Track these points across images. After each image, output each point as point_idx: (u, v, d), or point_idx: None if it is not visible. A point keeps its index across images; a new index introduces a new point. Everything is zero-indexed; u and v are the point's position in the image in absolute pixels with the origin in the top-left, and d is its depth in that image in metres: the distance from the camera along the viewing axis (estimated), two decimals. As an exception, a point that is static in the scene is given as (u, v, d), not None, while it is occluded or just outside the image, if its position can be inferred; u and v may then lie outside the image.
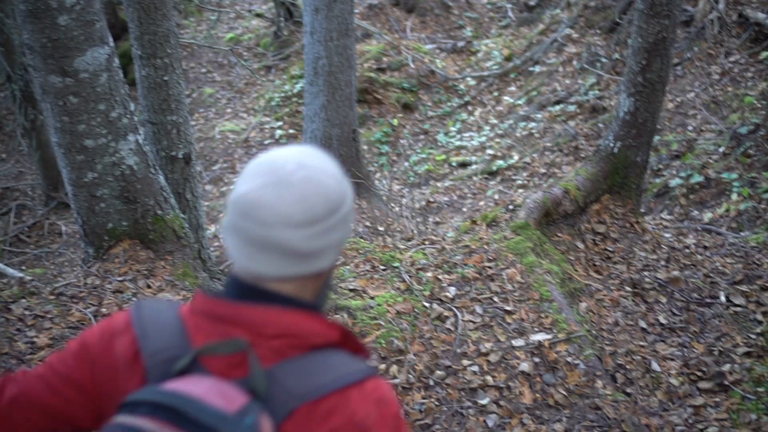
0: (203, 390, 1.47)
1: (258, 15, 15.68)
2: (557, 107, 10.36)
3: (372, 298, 4.55)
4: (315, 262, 1.58)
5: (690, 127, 8.48)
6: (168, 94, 5.83)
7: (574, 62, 11.20)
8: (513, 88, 11.75)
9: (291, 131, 12.08)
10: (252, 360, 1.53)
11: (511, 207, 5.73)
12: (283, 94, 12.78)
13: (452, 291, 4.67)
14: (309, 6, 8.20)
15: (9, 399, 1.67)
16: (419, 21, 14.42)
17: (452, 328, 4.42)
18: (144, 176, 4.78)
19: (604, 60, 10.80)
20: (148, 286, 4.66)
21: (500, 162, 9.92)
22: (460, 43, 13.63)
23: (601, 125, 9.47)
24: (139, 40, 5.59)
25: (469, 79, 12.47)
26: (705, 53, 9.70)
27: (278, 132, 12.08)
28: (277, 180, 1.51)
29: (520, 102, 11.19)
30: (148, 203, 4.85)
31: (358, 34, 13.40)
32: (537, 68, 11.69)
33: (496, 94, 11.87)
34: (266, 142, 11.98)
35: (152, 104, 5.81)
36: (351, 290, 4.66)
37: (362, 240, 6.15)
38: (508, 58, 12.57)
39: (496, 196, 9.22)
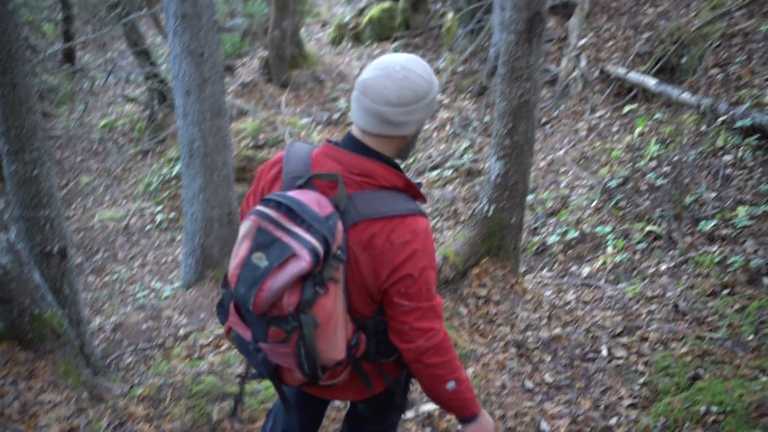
0: (308, 199, 2.53)
1: (131, 100, 15.54)
2: (434, 172, 10.48)
3: (259, 381, 4.48)
4: (400, 129, 2.61)
5: (563, 184, 8.68)
6: (39, 188, 5.70)
7: (448, 127, 11.38)
8: (390, 156, 11.85)
9: (172, 215, 11.93)
10: (340, 187, 2.58)
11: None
12: (161, 178, 12.64)
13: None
14: (180, 89, 8.14)
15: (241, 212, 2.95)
16: (293, 96, 14.50)
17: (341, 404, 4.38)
18: (18, 275, 4.65)
19: (476, 123, 11.01)
20: (30, 388, 4.50)
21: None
22: (336, 115, 13.73)
23: (477, 188, 9.61)
24: (6, 135, 5.47)
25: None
26: (571, 111, 9.98)
27: (159, 216, 11.92)
28: (386, 74, 2.55)
29: (398, 169, 11.29)
30: (23, 302, 4.71)
31: (233, 113, 13.38)
32: (412, 134, 11.82)
33: (374, 162, 11.94)
34: (147, 227, 11.80)
35: (23, 200, 5.67)
36: (238, 376, 4.58)
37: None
38: (383, 127, 12.69)
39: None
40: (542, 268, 7.53)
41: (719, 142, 7.64)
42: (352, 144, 2.64)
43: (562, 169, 9.00)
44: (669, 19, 10.17)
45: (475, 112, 11.28)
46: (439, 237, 9.18)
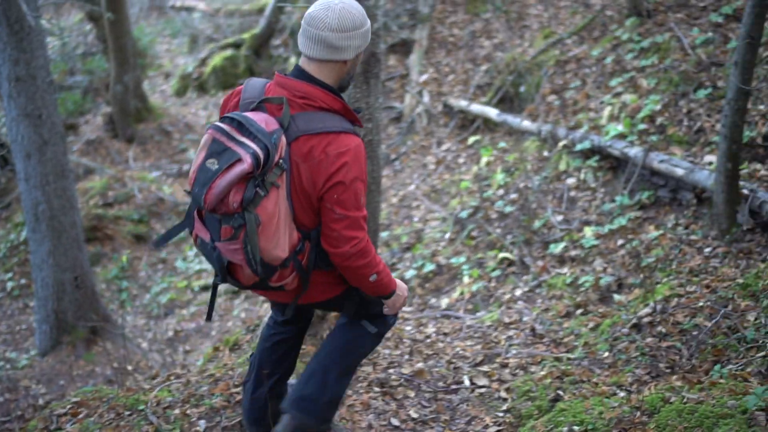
0: (258, 118, 3.11)
1: (-30, 166, 15.01)
2: (289, 217, 10.47)
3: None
4: (340, 53, 3.22)
5: (416, 219, 8.77)
6: None
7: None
8: (243, 204, 11.76)
9: (23, 281, 11.54)
10: (285, 108, 3.18)
11: (251, 327, 5.67)
12: (9, 244, 12.21)
13: (202, 425, 4.54)
14: (19, 152, 7.90)
15: None
16: (141, 150, 14.26)
17: (206, 465, 4.29)
18: None
19: (326, 164, 11.05)
20: None
21: (242, 279, 9.86)
22: (185, 167, 13.57)
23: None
24: None
25: (199, 201, 12.39)
26: (419, 145, 10.13)
27: (9, 284, 11.50)
28: (327, 6, 3.16)
29: (252, 216, 11.21)
30: None
31: (79, 172, 13.07)
32: (264, 181, 11.78)
33: (227, 211, 11.83)
34: (-2, 296, 11.39)
35: None
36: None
37: (105, 387, 5.89)
38: (235, 175, 12.61)
39: (243, 315, 9.14)
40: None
41: (562, 166, 7.88)
42: (298, 72, 3.29)
43: (414, 204, 9.10)
44: (505, 51, 10.47)
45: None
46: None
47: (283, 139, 3.12)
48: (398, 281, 3.59)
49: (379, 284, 3.43)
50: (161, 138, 14.52)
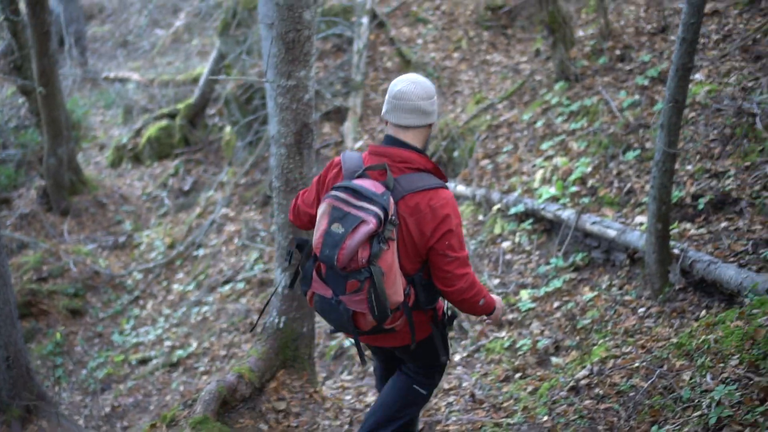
0: (367, 184, 3.69)
1: None
2: (227, 287, 10.39)
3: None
4: (430, 117, 3.91)
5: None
6: None
7: (236, 240, 11.35)
8: (181, 275, 11.68)
9: (-45, 359, 11.27)
10: (388, 173, 3.76)
11: (189, 402, 5.59)
12: (-62, 323, 11.95)
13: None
14: (-53, 230, 7.80)
15: (294, 207, 4.27)
16: (76, 222, 14.10)
17: None
18: None
19: (263, 233, 11.03)
20: None
21: (180, 352, 9.74)
22: (121, 238, 13.44)
23: (272, 297, 9.57)
24: None
25: (135, 273, 12.27)
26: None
27: (-61, 364, 11.22)
28: (411, 82, 3.85)
29: (190, 288, 11.13)
30: None
31: (13, 247, 12.88)
32: (201, 251, 11.72)
33: (165, 284, 11.74)
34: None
35: None
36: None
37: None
38: (171, 246, 12.53)
39: (181, 388, 9.01)
40: (342, 372, 7.53)
41: (497, 230, 7.95)
42: (392, 141, 3.91)
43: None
44: (438, 116, 10.58)
45: (261, 223, 11.30)
46: (238, 352, 9.07)
47: (391, 199, 3.70)
48: (494, 296, 4.14)
49: (486, 306, 4.01)
50: (96, 210, 14.37)
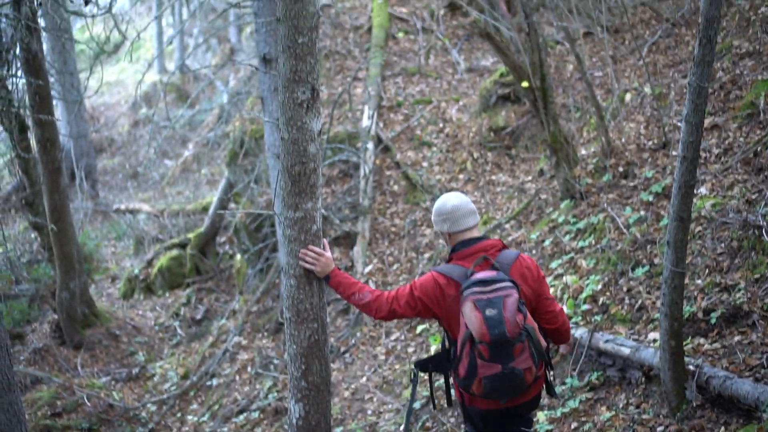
0: (484, 274, 4.61)
1: None
2: (241, 417, 10.31)
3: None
4: (478, 216, 4.99)
5: (369, 411, 8.70)
6: None
7: (249, 368, 11.31)
8: (195, 406, 11.60)
9: (-33, 500, 11.13)
10: (490, 259, 4.73)
11: None
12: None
13: None
14: (-39, 370, 7.79)
15: (390, 310, 4.99)
16: (89, 355, 14.09)
17: None
18: None
19: (276, 361, 11.00)
20: None
21: (195, 485, 9.63)
22: (135, 370, 13.41)
23: (286, 427, 9.49)
24: None
25: (149, 405, 12.20)
26: (368, 336, 10.14)
27: (-49, 506, 11.08)
28: (455, 195, 4.98)
29: (204, 418, 11.04)
30: None
31: (27, 382, 12.84)
32: (214, 381, 11.67)
33: (179, 415, 11.66)
34: None
35: None
36: None
37: None
38: (184, 377, 12.49)
39: None
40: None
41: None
42: (478, 239, 4.88)
43: (367, 396, 9.04)
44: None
45: (275, 350, 11.28)
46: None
47: (502, 273, 4.65)
48: None
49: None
50: (109, 342, 14.37)
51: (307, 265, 5.15)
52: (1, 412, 7.88)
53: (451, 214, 4.85)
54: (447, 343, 5.03)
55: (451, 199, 4.91)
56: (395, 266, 11.01)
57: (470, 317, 4.46)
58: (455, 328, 4.75)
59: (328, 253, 5.19)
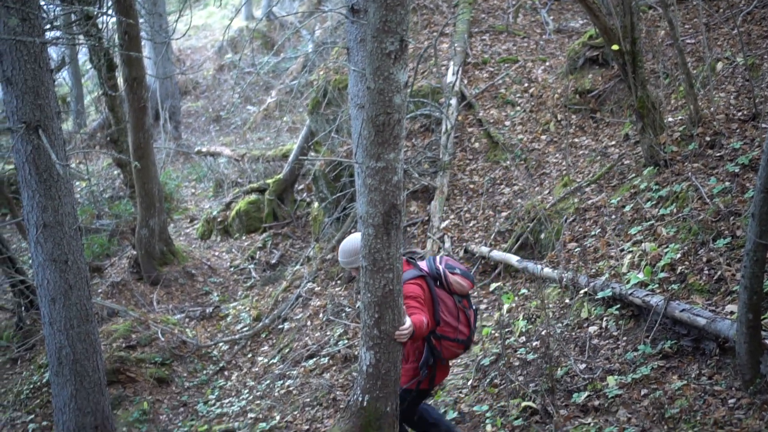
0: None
1: (-3, 308, 15.14)
2: (311, 361, 10.45)
3: None
4: None
5: (438, 365, 8.74)
6: None
7: (321, 315, 11.43)
8: (266, 348, 11.78)
9: (45, 423, 11.49)
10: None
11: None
12: (31, 386, 12.22)
13: None
14: (44, 297, 8.02)
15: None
16: (165, 292, 14.37)
17: None
18: None
19: (348, 309, 11.09)
20: None
21: (263, 425, 9.78)
22: (209, 309, 13.65)
23: (355, 374, 9.59)
24: None
25: (221, 344, 12.43)
26: (439, 292, 10.16)
27: (31, 426, 11.45)
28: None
29: (274, 360, 11.21)
30: None
31: (103, 314, 13.16)
32: (286, 325, 11.83)
33: (250, 355, 11.85)
34: (19, 438, 11.33)
35: None
36: None
37: None
38: (257, 319, 12.68)
39: None
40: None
41: (583, 314, 7.88)
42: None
43: (436, 350, 9.08)
44: (525, 198, 10.60)
45: (347, 299, 11.38)
46: (320, 427, 9.08)
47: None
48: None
49: None
50: (185, 281, 14.64)
51: (404, 339, 5.73)
52: (78, 342, 8.15)
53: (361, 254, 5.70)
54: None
55: (351, 241, 6.21)
56: (471, 223, 10.99)
57: (456, 281, 6.18)
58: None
59: (408, 320, 5.76)
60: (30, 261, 15.86)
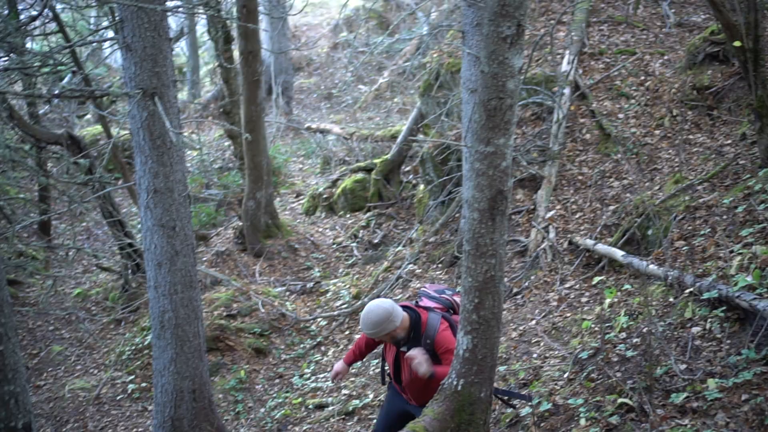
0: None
1: (105, 269, 15.57)
2: (408, 343, 10.47)
3: None
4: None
5: (535, 355, 8.69)
6: (4, 364, 5.68)
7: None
8: (363, 326, 11.85)
9: (144, 384, 11.80)
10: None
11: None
12: (133, 347, 12.55)
13: None
14: (151, 261, 8.22)
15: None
16: (267, 265, 14.58)
17: None
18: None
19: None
20: None
21: (356, 402, 9.87)
22: (309, 284, 13.80)
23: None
24: (-30, 312, 5.48)
25: (320, 319, 12.56)
26: (542, 281, 10.09)
27: (131, 386, 11.78)
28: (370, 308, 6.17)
29: (371, 339, 11.27)
30: (-17, 482, 4.63)
31: (207, 282, 13.42)
32: (385, 305, 11.87)
33: (347, 332, 11.96)
34: (119, 397, 11.64)
35: (-13, 376, 5.64)
36: None
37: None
38: (356, 297, 12.77)
39: (356, 437, 9.14)
40: (515, 442, 7.46)
41: (687, 314, 7.73)
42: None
43: (534, 340, 9.03)
44: (634, 193, 10.42)
45: (447, 283, 11.37)
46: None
47: None
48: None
49: None
50: (288, 255, 14.82)
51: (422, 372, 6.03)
52: (181, 307, 8.33)
53: (388, 319, 6.02)
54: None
55: (373, 313, 6.05)
56: (578, 215, 10.86)
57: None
58: None
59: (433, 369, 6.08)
60: (139, 225, 16.30)
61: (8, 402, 5.73)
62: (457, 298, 6.28)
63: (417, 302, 6.49)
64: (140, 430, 10.83)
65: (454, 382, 5.80)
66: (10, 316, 5.70)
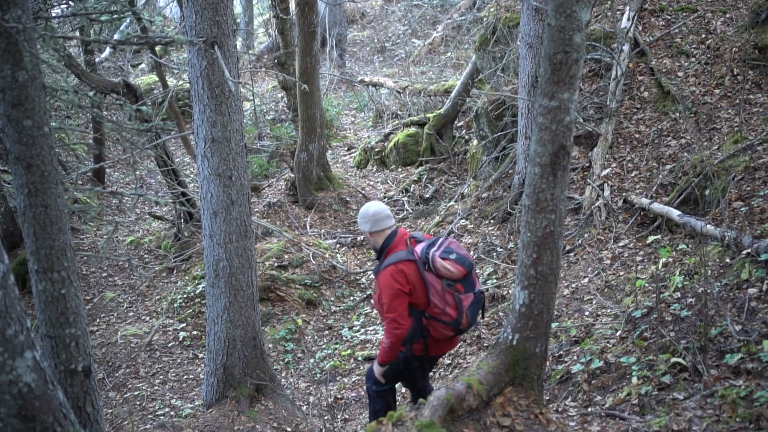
0: (421, 244, 6.51)
1: (158, 218, 15.73)
2: (458, 297, 10.49)
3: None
4: (392, 220, 6.66)
5: (587, 313, 8.66)
6: (66, 307, 5.77)
7: (472, 252, 11.43)
8: (414, 280, 11.87)
9: (195, 332, 11.95)
10: (415, 238, 6.67)
11: (417, 405, 5.70)
12: (185, 296, 12.71)
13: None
14: (207, 210, 8.28)
15: (406, 319, 6.45)
16: (318, 217, 14.64)
17: None
18: (42, 393, 4.65)
19: (499, 249, 11.07)
20: None
21: (405, 354, 9.92)
22: (360, 237, 13.83)
23: (501, 314, 9.61)
24: (36, 254, 5.56)
25: (369, 272, 12.60)
26: (595, 239, 10.03)
27: (182, 334, 11.93)
28: (378, 206, 6.67)
29: (421, 293, 11.30)
30: (47, 421, 4.69)
31: (258, 233, 13.51)
32: (436, 259, 11.88)
33: (397, 286, 11.98)
34: (170, 344, 11.81)
35: (50, 318, 5.73)
36: None
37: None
38: (407, 250, 12.76)
39: (403, 390, 9.18)
40: (566, 398, 7.46)
41: (744, 275, 7.64)
42: (395, 232, 6.59)
43: (586, 298, 9.00)
44: (692, 152, 10.29)
45: (499, 239, 11.35)
46: (462, 363, 9.14)
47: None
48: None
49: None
50: (339, 207, 14.86)
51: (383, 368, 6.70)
52: (236, 256, 8.40)
53: (372, 218, 6.47)
54: (415, 317, 6.50)
55: (371, 207, 6.53)
56: (633, 173, 10.76)
57: (444, 266, 6.24)
58: (420, 299, 6.40)
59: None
60: (191, 175, 16.39)
61: (69, 345, 5.83)
62: (440, 263, 6.35)
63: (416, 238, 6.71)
64: (191, 377, 10.99)
65: (510, 337, 5.81)
66: (72, 260, 5.79)
